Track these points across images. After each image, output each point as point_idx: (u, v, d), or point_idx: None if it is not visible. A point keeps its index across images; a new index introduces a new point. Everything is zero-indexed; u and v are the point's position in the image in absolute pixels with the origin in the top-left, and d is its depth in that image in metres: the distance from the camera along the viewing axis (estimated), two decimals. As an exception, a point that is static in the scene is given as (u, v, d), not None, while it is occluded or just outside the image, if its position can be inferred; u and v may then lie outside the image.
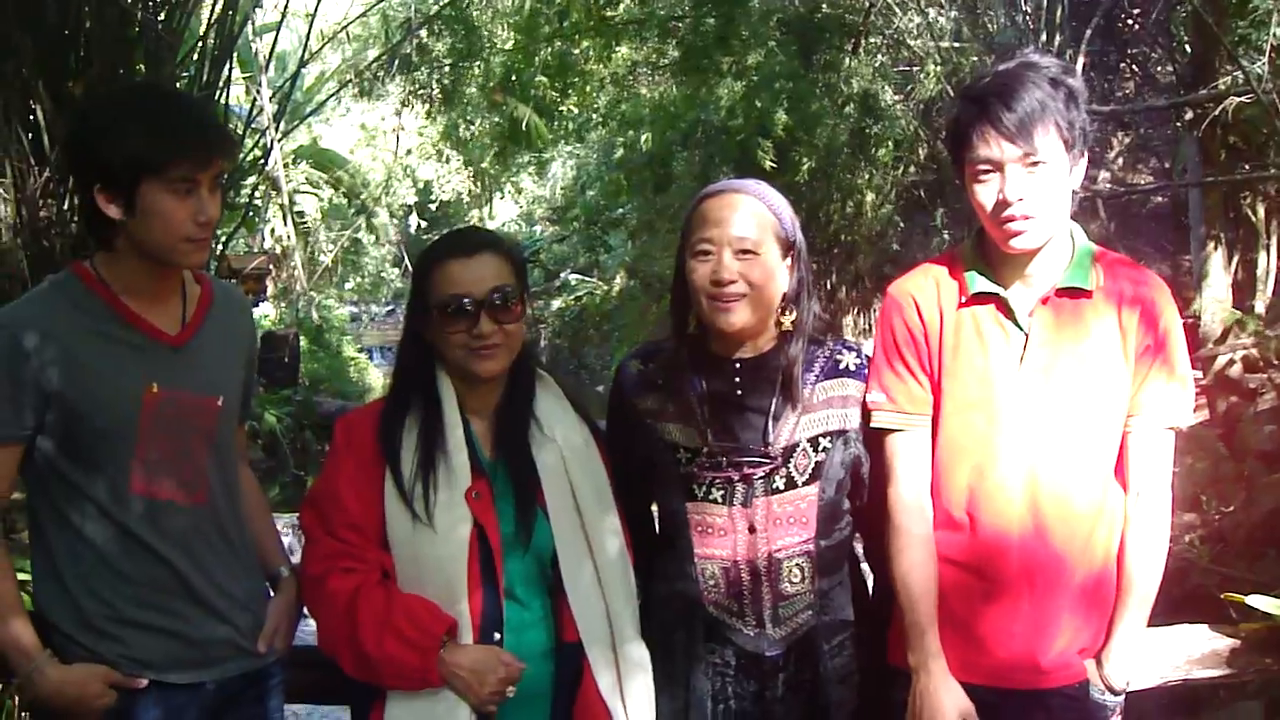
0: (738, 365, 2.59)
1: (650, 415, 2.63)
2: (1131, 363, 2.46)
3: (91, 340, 2.40)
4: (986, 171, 2.41)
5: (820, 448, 2.57)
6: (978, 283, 2.50)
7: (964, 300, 2.52)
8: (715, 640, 2.60)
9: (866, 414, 2.58)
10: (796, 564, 2.56)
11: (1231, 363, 7.76)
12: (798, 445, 2.55)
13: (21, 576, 2.55)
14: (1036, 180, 2.37)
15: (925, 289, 2.57)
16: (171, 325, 2.50)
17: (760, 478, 2.54)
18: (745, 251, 2.48)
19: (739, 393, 2.58)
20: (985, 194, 2.42)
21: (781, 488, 2.55)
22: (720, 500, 2.56)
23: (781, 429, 2.55)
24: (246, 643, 2.57)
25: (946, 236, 10.44)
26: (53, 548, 2.43)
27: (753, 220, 2.51)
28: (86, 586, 2.41)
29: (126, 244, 2.40)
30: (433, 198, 22.76)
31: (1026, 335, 2.47)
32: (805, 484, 2.56)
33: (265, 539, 2.77)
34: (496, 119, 13.23)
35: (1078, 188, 2.48)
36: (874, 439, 2.58)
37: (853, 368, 2.62)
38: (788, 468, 2.55)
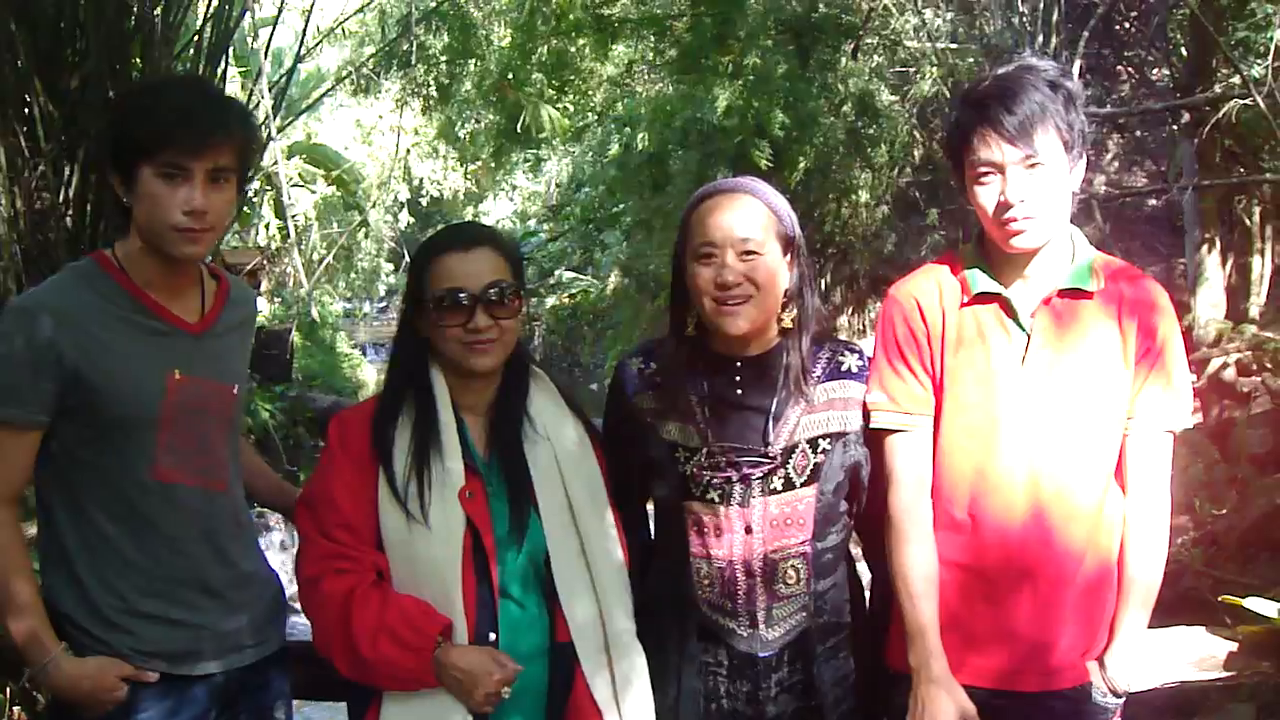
0: (739, 365, 2.58)
1: (650, 414, 2.62)
2: (1130, 366, 2.47)
3: (115, 325, 2.41)
4: (987, 173, 2.42)
5: (819, 449, 2.56)
6: (980, 283, 2.51)
7: (966, 300, 2.52)
8: (708, 640, 2.59)
9: (867, 414, 2.58)
10: (792, 565, 2.56)
11: (1225, 366, 7.78)
12: (797, 446, 2.55)
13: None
14: (1036, 181, 2.38)
15: (927, 289, 2.57)
16: (191, 315, 2.52)
17: (759, 478, 2.53)
18: (748, 253, 2.47)
19: (739, 392, 2.58)
20: (986, 196, 2.43)
21: (779, 488, 2.54)
22: (718, 500, 2.55)
23: (782, 429, 2.54)
24: (256, 634, 2.59)
25: (939, 237, 10.46)
26: (64, 538, 2.44)
27: (754, 220, 2.50)
28: (99, 577, 2.43)
29: (135, 230, 2.43)
30: (424, 193, 22.71)
31: (1028, 336, 2.47)
32: (803, 485, 2.55)
33: (277, 485, 2.90)
34: (493, 116, 13.20)
35: (1077, 189, 2.49)
36: (874, 440, 2.58)
37: (854, 370, 2.62)
38: (786, 468, 2.54)
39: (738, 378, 2.58)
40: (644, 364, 2.68)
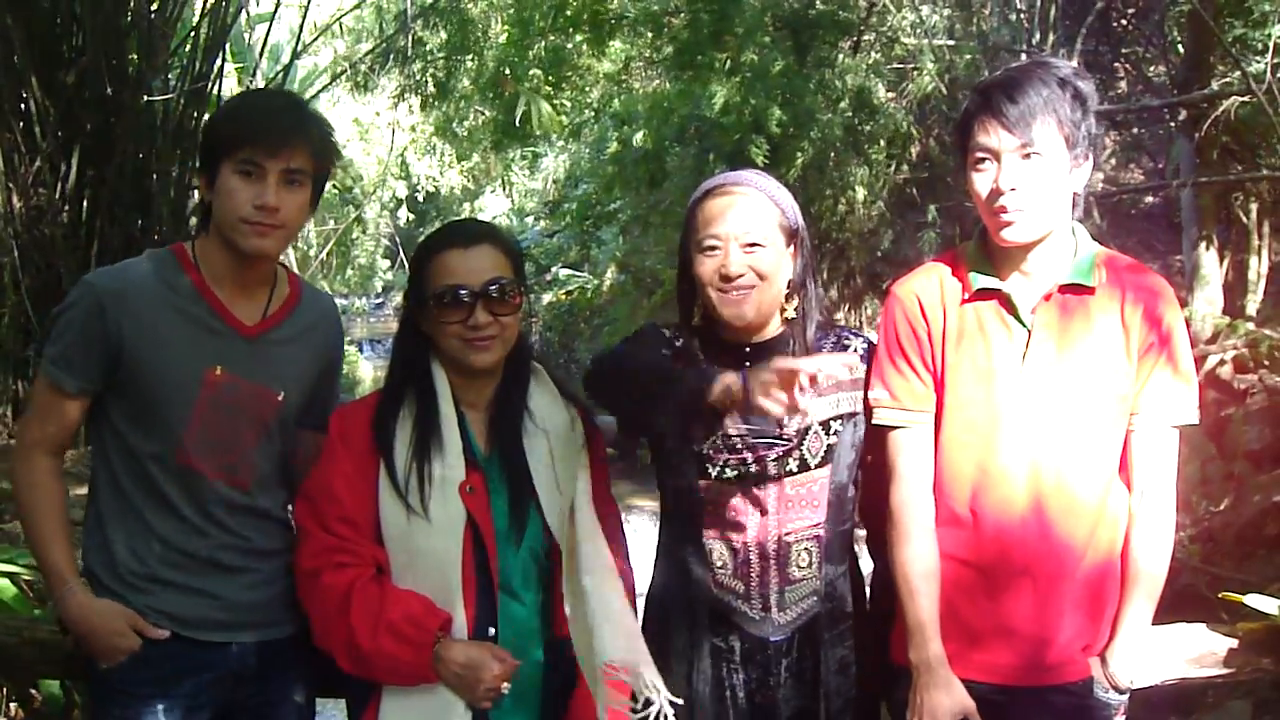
0: (747, 351, 2.59)
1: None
2: (1134, 360, 2.47)
3: (169, 313, 2.50)
4: (984, 160, 2.44)
5: (832, 430, 2.59)
6: (980, 280, 2.51)
7: (967, 297, 2.52)
8: (720, 626, 2.61)
9: (869, 410, 2.59)
10: (805, 547, 2.58)
11: (1222, 363, 7.75)
12: (810, 428, 2.57)
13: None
14: (1031, 171, 2.39)
15: (928, 286, 2.58)
16: (251, 317, 2.59)
17: (774, 459, 2.56)
18: (752, 244, 2.49)
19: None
20: (982, 182, 2.44)
21: (795, 470, 2.57)
22: (734, 481, 2.57)
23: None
24: (280, 612, 2.61)
25: (935, 234, 10.44)
26: (100, 503, 2.55)
27: (757, 214, 2.52)
28: (125, 542, 2.52)
29: (214, 227, 2.53)
30: (419, 189, 22.69)
31: (1029, 332, 2.48)
32: (818, 466, 2.58)
33: None
34: (491, 112, 13.17)
35: (1080, 190, 2.48)
36: (876, 436, 2.59)
37: (860, 351, 2.64)
38: (801, 450, 2.57)
39: (747, 364, 2.59)
40: (674, 334, 2.68)
